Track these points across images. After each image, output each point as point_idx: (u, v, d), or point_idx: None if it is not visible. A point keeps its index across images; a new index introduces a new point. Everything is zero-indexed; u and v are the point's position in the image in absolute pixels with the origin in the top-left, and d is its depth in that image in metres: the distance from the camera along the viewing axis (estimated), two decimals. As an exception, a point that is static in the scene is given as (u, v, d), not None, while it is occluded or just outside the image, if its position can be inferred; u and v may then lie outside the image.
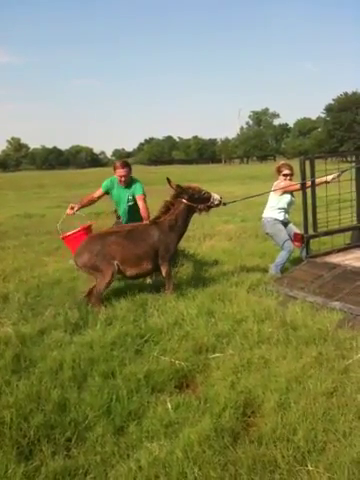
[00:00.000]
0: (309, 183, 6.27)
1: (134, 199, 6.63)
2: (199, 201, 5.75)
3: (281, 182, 6.83)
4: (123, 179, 6.57)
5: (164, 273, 5.66)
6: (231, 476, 2.53)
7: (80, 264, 5.54)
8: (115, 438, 2.92)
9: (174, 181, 5.79)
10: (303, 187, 6.28)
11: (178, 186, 5.72)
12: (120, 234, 5.60)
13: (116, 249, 5.46)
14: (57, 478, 2.58)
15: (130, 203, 6.66)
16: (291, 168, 6.81)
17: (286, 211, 6.87)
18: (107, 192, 6.78)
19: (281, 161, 7.24)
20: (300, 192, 6.38)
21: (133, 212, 6.64)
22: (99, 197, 6.81)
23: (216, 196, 5.82)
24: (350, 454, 2.62)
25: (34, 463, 2.70)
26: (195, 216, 6.03)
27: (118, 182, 6.65)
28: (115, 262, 5.43)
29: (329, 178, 6.49)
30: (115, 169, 6.59)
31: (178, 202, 5.73)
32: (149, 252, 5.57)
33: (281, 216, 6.79)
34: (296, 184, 6.52)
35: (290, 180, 6.79)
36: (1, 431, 2.96)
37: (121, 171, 6.52)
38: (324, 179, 6.45)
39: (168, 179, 5.77)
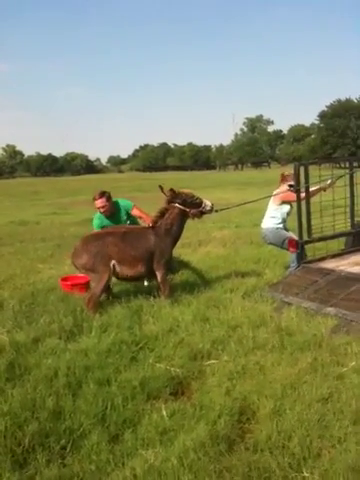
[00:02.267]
0: (303, 193, 6.25)
1: (129, 217, 6.49)
2: (191, 206, 5.81)
3: (281, 192, 6.79)
4: (102, 210, 6.35)
5: (159, 278, 5.68)
6: (226, 483, 2.52)
7: (79, 265, 5.60)
8: (110, 446, 2.91)
9: (168, 187, 5.85)
10: (299, 193, 6.24)
11: (171, 190, 5.78)
12: (116, 235, 5.62)
13: (113, 250, 5.49)
14: (52, 486, 2.56)
15: (128, 223, 6.49)
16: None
17: (285, 220, 6.87)
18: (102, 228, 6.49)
19: (288, 170, 7.03)
20: (290, 193, 6.39)
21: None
22: None
23: (208, 202, 5.90)
24: (345, 460, 2.62)
25: (29, 471, 2.69)
26: (190, 223, 6.05)
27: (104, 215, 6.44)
28: (112, 263, 5.47)
29: (323, 186, 6.54)
30: (94, 202, 6.40)
31: (172, 207, 5.78)
32: (144, 255, 5.59)
33: (281, 225, 6.80)
34: (294, 193, 6.35)
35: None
36: (-5, 440, 2.94)
37: (97, 202, 6.32)
38: (318, 188, 6.51)
39: (160, 186, 5.84)
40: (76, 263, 5.63)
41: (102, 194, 6.33)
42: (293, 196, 6.36)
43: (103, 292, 5.53)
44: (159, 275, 5.67)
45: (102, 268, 5.43)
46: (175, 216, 5.77)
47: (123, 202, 6.56)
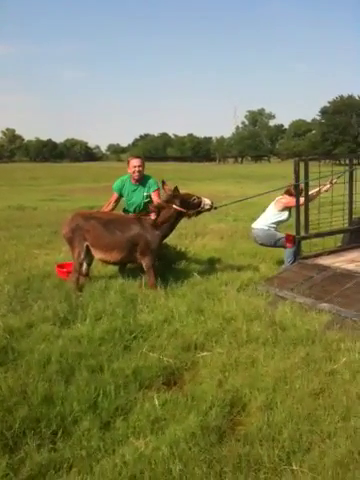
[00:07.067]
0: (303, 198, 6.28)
1: (149, 196, 6.48)
2: (190, 207, 5.85)
3: (284, 199, 6.84)
4: (137, 169, 6.38)
5: (144, 267, 5.80)
6: (216, 474, 2.54)
7: (62, 233, 6.13)
8: (101, 433, 2.92)
9: (167, 179, 5.86)
10: (298, 189, 6.26)
11: (174, 189, 5.79)
12: (100, 220, 5.85)
13: (89, 233, 5.79)
14: (42, 470, 2.57)
15: (146, 200, 6.49)
16: None
17: (278, 227, 6.90)
18: (120, 193, 6.59)
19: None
20: (294, 200, 6.39)
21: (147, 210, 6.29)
22: (117, 201, 6.65)
23: (207, 201, 5.92)
24: (334, 455, 2.63)
25: (19, 455, 2.69)
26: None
27: (130, 179, 6.51)
28: (85, 243, 5.78)
29: (323, 189, 6.60)
30: (129, 163, 6.47)
31: (169, 207, 5.80)
32: (122, 243, 5.75)
33: (273, 227, 6.83)
34: (295, 200, 6.39)
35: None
36: (-14, 423, 2.94)
37: (134, 162, 6.40)
38: (317, 190, 6.57)
39: (163, 181, 5.92)
40: (62, 231, 6.08)
41: (139, 156, 6.55)
42: (293, 203, 6.42)
43: (78, 265, 5.86)
44: (144, 264, 5.79)
45: (75, 244, 5.85)
46: (170, 215, 5.81)
47: (153, 181, 6.58)
